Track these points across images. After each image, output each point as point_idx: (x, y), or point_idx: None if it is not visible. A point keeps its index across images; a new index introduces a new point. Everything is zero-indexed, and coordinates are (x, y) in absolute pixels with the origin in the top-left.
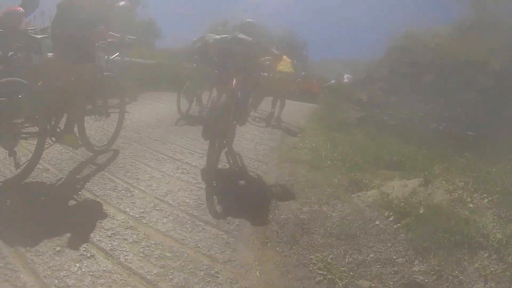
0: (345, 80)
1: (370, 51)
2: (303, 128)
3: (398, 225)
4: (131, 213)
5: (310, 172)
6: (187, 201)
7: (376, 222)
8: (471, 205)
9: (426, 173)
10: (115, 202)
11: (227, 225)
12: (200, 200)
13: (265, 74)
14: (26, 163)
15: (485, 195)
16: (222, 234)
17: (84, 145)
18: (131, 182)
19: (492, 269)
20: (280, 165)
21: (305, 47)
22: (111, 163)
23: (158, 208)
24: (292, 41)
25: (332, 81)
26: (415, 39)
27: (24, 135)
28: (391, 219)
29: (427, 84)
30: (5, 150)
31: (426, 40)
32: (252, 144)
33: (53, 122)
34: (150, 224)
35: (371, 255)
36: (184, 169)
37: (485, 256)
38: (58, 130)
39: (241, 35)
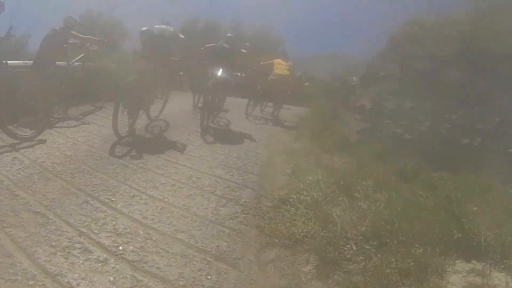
0: (353, 83)
1: (364, 43)
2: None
3: None
4: None
5: None
6: None
7: None
8: None
9: None
10: None
11: None
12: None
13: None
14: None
15: None
16: None
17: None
18: None
19: None
20: None
21: (282, 44)
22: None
23: None
24: (267, 38)
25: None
26: (424, 26)
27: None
28: None
29: (450, 84)
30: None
31: (438, 27)
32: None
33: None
34: None
35: None
36: None
37: None
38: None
39: (225, 45)
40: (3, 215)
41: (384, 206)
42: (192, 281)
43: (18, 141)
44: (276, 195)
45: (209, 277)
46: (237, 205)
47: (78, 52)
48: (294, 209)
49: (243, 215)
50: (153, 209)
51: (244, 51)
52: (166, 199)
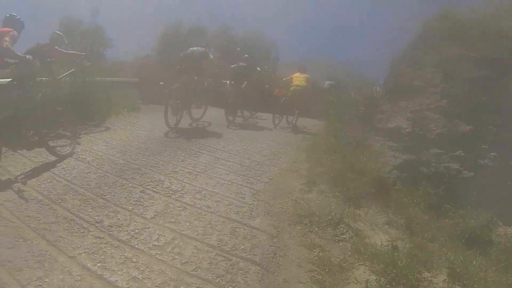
0: (325, 87)
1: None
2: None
3: None
4: None
5: None
6: None
7: None
8: None
9: None
10: None
11: None
12: None
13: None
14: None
15: None
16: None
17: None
18: None
19: None
20: None
21: (273, 49)
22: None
23: None
24: (257, 42)
25: (326, 82)
26: (462, 21)
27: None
28: None
29: None
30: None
31: (481, 21)
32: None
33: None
34: None
35: None
36: None
37: None
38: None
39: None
40: None
41: None
42: None
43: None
44: None
45: None
46: None
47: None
48: None
49: None
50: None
51: (259, 68)
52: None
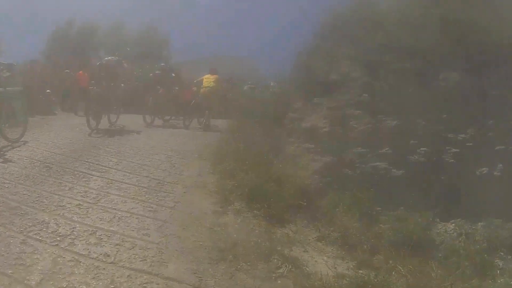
0: (245, 89)
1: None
2: None
3: None
4: None
5: None
6: None
7: None
8: None
9: None
10: None
11: None
12: None
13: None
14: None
15: None
16: None
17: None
18: None
19: None
20: None
21: (165, 47)
22: None
23: None
24: (151, 40)
25: (245, 87)
26: (385, 11)
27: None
28: None
29: (448, 89)
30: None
31: (408, 11)
32: None
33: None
34: None
35: None
36: None
37: None
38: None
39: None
40: None
41: None
42: None
43: None
44: None
45: None
46: None
47: None
48: None
49: None
50: None
51: (173, 74)
52: None
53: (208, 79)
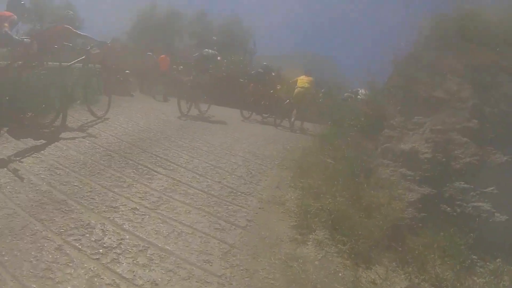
0: (359, 96)
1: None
2: None
3: None
4: None
5: None
6: None
7: None
8: None
9: None
10: None
11: None
12: None
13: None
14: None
15: None
16: None
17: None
18: None
19: None
20: None
21: (250, 39)
22: None
23: None
24: (235, 29)
25: (345, 94)
26: (493, 24)
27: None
28: None
29: None
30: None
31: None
32: None
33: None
34: None
35: None
36: None
37: None
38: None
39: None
40: None
41: None
42: None
43: None
44: None
45: None
46: None
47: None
48: None
49: None
50: None
51: (273, 74)
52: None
53: (302, 80)
